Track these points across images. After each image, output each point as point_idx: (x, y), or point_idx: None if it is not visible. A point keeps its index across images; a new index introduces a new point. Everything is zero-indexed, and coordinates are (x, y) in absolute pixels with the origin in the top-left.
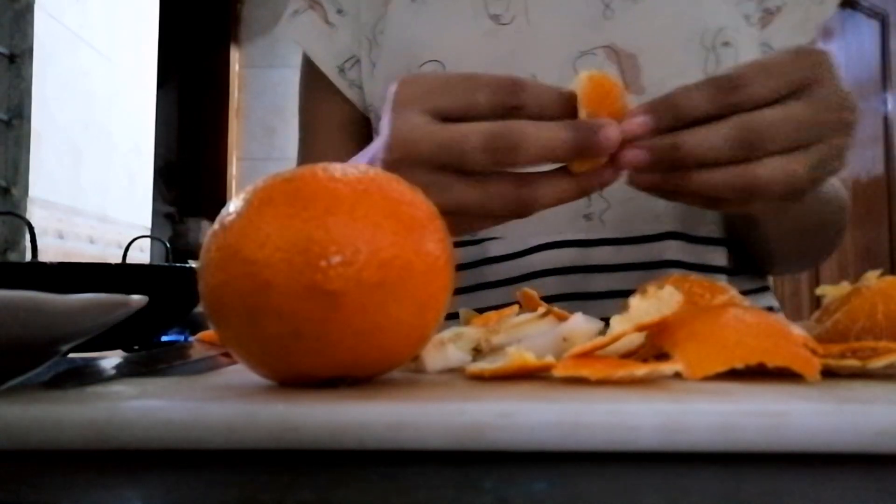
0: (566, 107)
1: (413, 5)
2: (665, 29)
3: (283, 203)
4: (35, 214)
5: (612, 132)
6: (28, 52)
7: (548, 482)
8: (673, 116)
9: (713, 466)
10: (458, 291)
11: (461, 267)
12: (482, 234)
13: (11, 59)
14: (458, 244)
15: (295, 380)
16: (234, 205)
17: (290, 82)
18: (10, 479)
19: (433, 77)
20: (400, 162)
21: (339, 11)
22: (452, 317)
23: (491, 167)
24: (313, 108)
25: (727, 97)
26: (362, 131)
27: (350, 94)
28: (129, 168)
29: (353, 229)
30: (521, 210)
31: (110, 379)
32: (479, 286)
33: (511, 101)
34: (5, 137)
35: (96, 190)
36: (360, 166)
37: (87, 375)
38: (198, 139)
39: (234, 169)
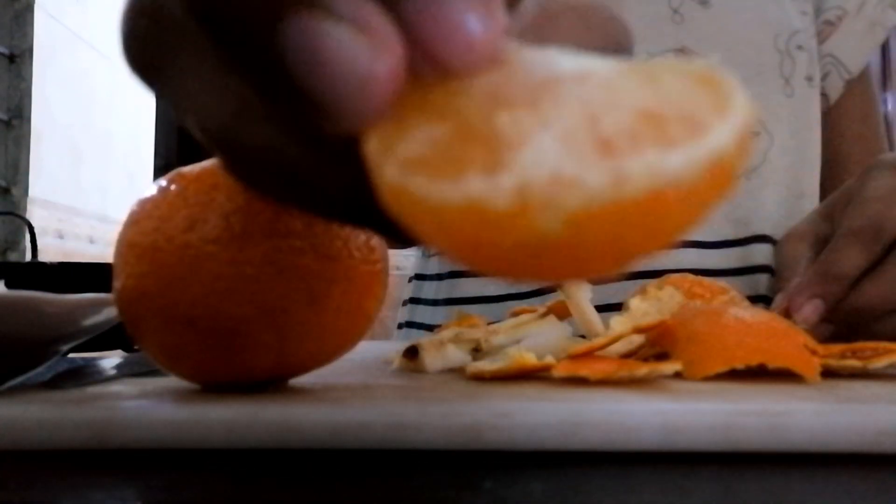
0: None
1: None
2: (738, 32)
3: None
4: (35, 214)
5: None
6: (28, 52)
7: (547, 482)
8: (838, 286)
9: (713, 466)
10: (505, 298)
11: None
12: None
13: (11, 59)
14: None
15: (219, 384)
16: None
17: None
18: (10, 479)
19: None
20: None
21: None
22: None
23: None
24: None
25: (876, 246)
26: None
27: None
28: (128, 168)
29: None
30: None
31: (110, 379)
32: (542, 291)
33: None
34: (5, 137)
35: (96, 190)
36: None
37: (87, 375)
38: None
39: None
